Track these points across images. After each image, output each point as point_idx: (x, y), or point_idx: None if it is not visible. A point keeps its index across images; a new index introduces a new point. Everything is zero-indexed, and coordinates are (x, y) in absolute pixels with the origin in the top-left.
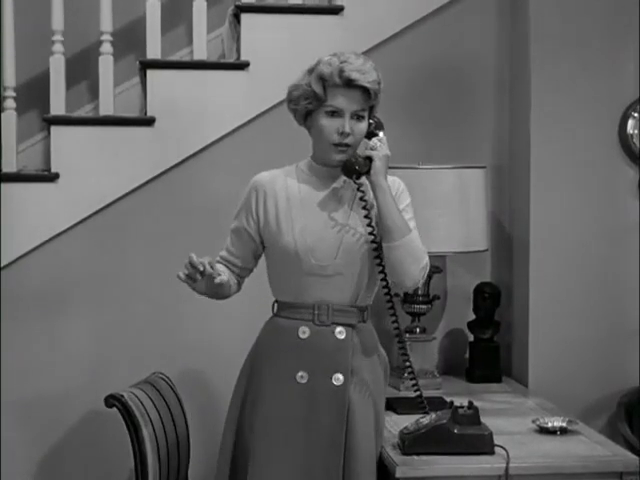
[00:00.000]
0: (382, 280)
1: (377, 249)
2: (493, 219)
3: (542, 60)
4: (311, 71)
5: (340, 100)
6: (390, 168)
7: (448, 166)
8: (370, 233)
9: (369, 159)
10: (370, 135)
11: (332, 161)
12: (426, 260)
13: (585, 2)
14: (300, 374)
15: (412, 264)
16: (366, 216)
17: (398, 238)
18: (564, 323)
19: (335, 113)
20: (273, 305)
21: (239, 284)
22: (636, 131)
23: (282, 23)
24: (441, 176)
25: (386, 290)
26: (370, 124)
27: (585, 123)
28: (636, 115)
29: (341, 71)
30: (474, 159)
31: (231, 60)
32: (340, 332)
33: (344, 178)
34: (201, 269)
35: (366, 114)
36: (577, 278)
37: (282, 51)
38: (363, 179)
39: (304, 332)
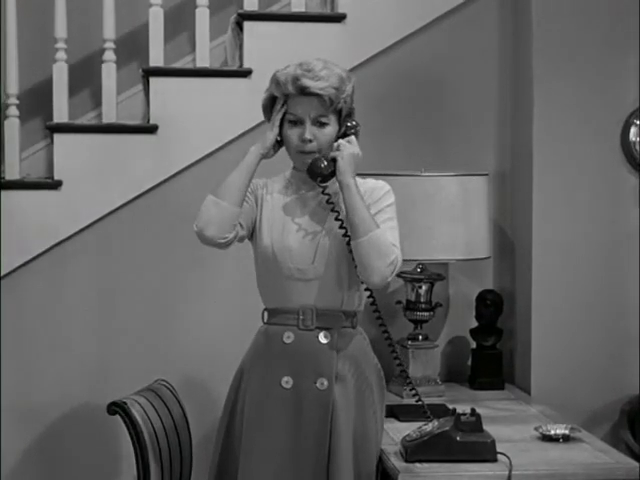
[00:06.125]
0: (362, 283)
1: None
2: (495, 226)
3: (544, 68)
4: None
5: (298, 108)
6: (393, 175)
7: (451, 173)
8: (344, 235)
9: (334, 160)
10: (343, 138)
11: (301, 167)
12: (395, 256)
13: (586, 11)
14: (285, 379)
15: (378, 259)
16: (337, 218)
17: (364, 234)
18: (567, 330)
19: (297, 121)
20: (263, 314)
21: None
22: (638, 139)
23: (284, 31)
24: (444, 183)
25: (369, 293)
26: (347, 127)
27: (587, 131)
28: (638, 123)
29: (295, 79)
30: (477, 166)
31: (234, 67)
32: (324, 336)
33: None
34: None
35: (331, 119)
36: (579, 285)
37: (284, 59)
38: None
39: (288, 337)
